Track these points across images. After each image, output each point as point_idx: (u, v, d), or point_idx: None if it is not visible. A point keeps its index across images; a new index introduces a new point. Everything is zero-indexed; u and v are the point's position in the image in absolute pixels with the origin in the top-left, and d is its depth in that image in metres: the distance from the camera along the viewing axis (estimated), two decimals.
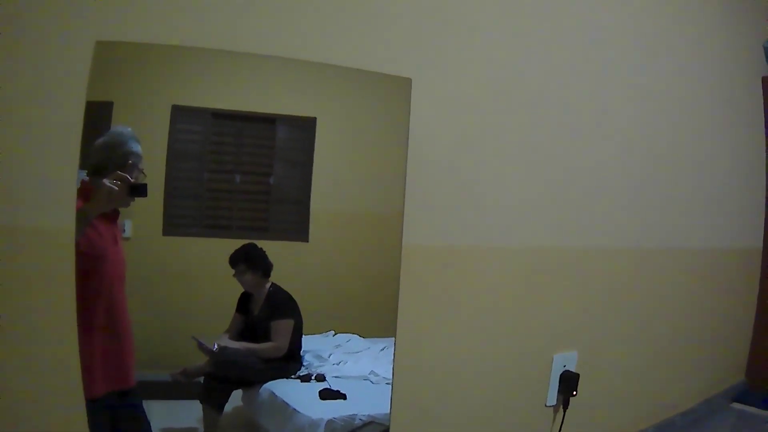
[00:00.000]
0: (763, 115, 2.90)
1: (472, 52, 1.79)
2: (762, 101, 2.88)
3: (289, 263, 2.20)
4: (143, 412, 1.72)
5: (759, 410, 2.72)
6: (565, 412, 1.98)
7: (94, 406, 1.41)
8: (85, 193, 1.41)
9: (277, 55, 1.56)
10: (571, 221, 2.04)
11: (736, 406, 2.83)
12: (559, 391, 2.00)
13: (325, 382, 2.16)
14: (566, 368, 2.00)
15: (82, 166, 1.42)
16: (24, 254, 1.28)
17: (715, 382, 2.83)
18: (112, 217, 1.58)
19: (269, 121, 2.11)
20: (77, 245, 1.35)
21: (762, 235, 2.96)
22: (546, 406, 2.01)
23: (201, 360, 1.98)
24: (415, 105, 1.68)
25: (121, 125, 1.62)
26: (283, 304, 2.17)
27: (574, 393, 1.97)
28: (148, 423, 1.74)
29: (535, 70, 1.94)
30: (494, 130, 1.85)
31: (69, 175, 1.32)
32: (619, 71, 2.18)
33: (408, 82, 1.68)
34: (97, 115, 1.51)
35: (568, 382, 1.98)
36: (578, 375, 1.99)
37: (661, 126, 2.36)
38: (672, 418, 2.52)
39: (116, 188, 1.48)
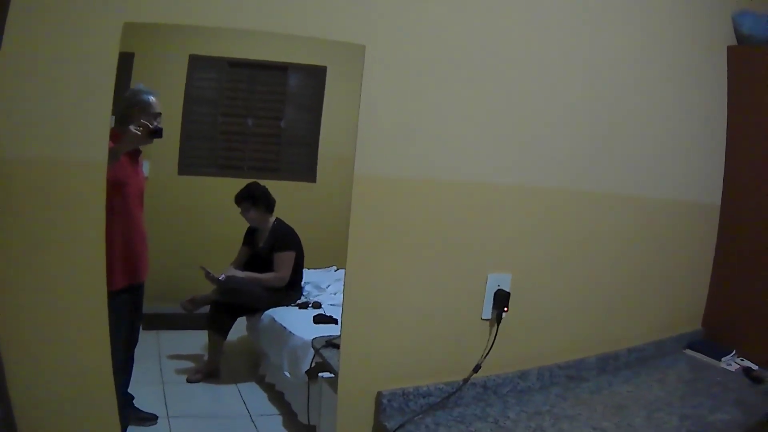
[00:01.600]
0: (726, 83, 2.94)
1: (423, 21, 1.90)
2: (726, 70, 2.92)
3: (297, 202, 2.36)
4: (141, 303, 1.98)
5: (711, 359, 2.74)
6: (498, 324, 2.14)
7: (113, 296, 1.64)
8: (114, 136, 1.63)
9: (225, 27, 1.68)
10: (512, 160, 2.16)
11: (689, 352, 2.87)
12: (493, 307, 2.15)
13: (321, 309, 2.36)
14: (500, 287, 2.13)
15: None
16: (66, 181, 1.51)
17: (669, 327, 2.90)
18: (134, 154, 1.85)
19: (281, 68, 2.23)
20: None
21: (720, 194, 3.01)
22: (482, 319, 2.15)
23: (209, 291, 2.17)
24: (367, 67, 1.80)
25: (137, 84, 1.83)
26: (285, 237, 2.35)
27: (506, 309, 2.13)
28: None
29: (484, 31, 2.03)
30: (439, 82, 1.95)
31: (103, 118, 1.52)
32: (580, 29, 2.25)
33: (362, 49, 1.78)
34: (119, 65, 1.65)
35: (501, 299, 2.14)
36: (509, 293, 2.14)
37: (624, 79, 2.44)
38: (617, 352, 2.61)
39: (139, 132, 1.76)
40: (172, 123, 2.00)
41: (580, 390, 2.34)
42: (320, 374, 2.02)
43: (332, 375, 1.94)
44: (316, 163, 2.32)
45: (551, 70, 2.19)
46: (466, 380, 2.11)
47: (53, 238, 1.50)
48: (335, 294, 2.41)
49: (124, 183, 1.80)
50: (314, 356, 2.07)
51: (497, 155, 2.10)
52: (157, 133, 1.80)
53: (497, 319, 2.14)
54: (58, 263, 1.51)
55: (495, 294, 2.13)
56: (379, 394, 1.92)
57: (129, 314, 1.90)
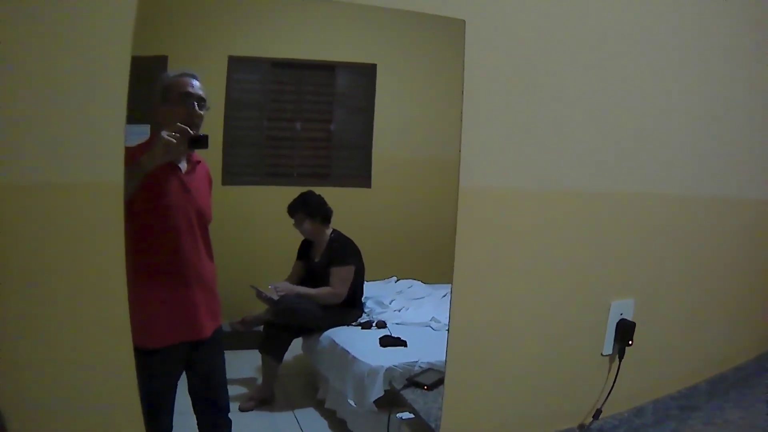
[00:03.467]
0: None
1: None
2: None
3: (351, 209, 2.21)
4: (220, 361, 1.75)
5: None
6: (620, 361, 1.93)
7: (153, 356, 1.44)
8: (148, 144, 1.43)
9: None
10: (631, 166, 1.97)
11: None
12: (615, 340, 1.94)
13: (386, 329, 2.17)
14: (623, 316, 1.94)
15: (141, 121, 1.44)
16: (73, 210, 1.28)
17: (765, 339, 2.74)
18: (179, 167, 1.58)
19: (328, 68, 2.10)
20: (132, 196, 1.35)
21: None
22: (602, 355, 1.96)
23: (261, 309, 2.01)
24: (469, 47, 1.61)
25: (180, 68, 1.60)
26: (343, 250, 2.17)
27: (630, 342, 1.91)
28: (223, 373, 1.77)
29: (595, 11, 1.84)
30: (552, 72, 1.78)
31: (116, 129, 1.29)
32: (676, 28, 2.08)
33: (461, 23, 1.60)
34: (152, 70, 1.52)
35: (624, 331, 1.92)
36: (634, 324, 1.93)
37: (721, 77, 2.25)
38: (724, 374, 2.46)
39: (174, 141, 1.46)
40: (214, 129, 1.84)
41: (693, 421, 2.18)
42: (399, 416, 1.85)
43: (412, 416, 1.78)
44: (370, 167, 2.18)
45: (668, 67, 2.04)
46: (583, 428, 1.94)
47: (61, 283, 1.27)
48: (399, 311, 2.25)
49: (165, 206, 1.52)
50: (384, 384, 1.91)
51: (620, 157, 1.93)
52: (200, 141, 1.53)
53: (620, 354, 1.94)
54: (69, 313, 1.28)
55: (617, 325, 1.94)
56: None
57: (185, 375, 1.64)
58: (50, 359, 1.29)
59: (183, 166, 1.59)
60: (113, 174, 1.29)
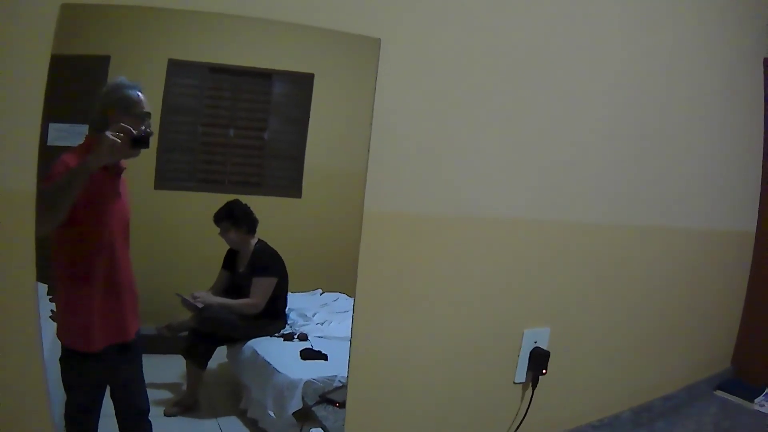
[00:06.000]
0: (762, 97, 2.86)
1: (449, 10, 1.76)
2: (762, 83, 2.83)
3: (280, 219, 2.26)
4: (140, 363, 1.81)
5: (742, 400, 2.74)
6: (533, 390, 2.00)
7: (91, 360, 1.51)
8: (87, 146, 1.47)
9: (230, 13, 1.61)
10: (551, 193, 2.04)
11: (719, 394, 2.85)
12: (528, 369, 2.01)
13: (308, 342, 2.24)
14: (537, 345, 2.02)
15: (83, 121, 1.48)
16: None
17: (699, 368, 2.85)
18: (116, 170, 1.64)
19: (266, 76, 2.15)
20: (77, 199, 1.41)
21: (756, 220, 2.96)
22: (514, 383, 2.03)
23: (187, 315, 2.05)
24: (383, 66, 1.67)
25: (117, 77, 1.65)
26: (266, 261, 2.23)
27: (544, 371, 1.99)
28: (142, 376, 1.83)
29: (520, 34, 1.91)
30: (470, 95, 1.83)
31: (30, 135, 1.32)
32: (613, 43, 2.16)
33: (377, 42, 1.66)
34: (94, 69, 1.56)
35: (538, 360, 1.99)
36: (549, 353, 2.01)
37: (655, 103, 2.35)
38: (651, 402, 2.54)
39: (119, 140, 1.52)
40: None
41: None
42: (312, 431, 1.92)
43: None
44: (301, 178, 2.23)
45: (598, 90, 2.12)
46: None
47: None
48: (322, 324, 2.32)
49: (103, 211, 1.58)
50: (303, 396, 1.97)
51: (536, 186, 2.00)
52: (142, 141, 1.59)
53: (533, 382, 2.01)
54: None
55: (531, 353, 2.01)
56: None
57: (113, 378, 1.70)
58: None
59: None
60: (26, 182, 1.32)
